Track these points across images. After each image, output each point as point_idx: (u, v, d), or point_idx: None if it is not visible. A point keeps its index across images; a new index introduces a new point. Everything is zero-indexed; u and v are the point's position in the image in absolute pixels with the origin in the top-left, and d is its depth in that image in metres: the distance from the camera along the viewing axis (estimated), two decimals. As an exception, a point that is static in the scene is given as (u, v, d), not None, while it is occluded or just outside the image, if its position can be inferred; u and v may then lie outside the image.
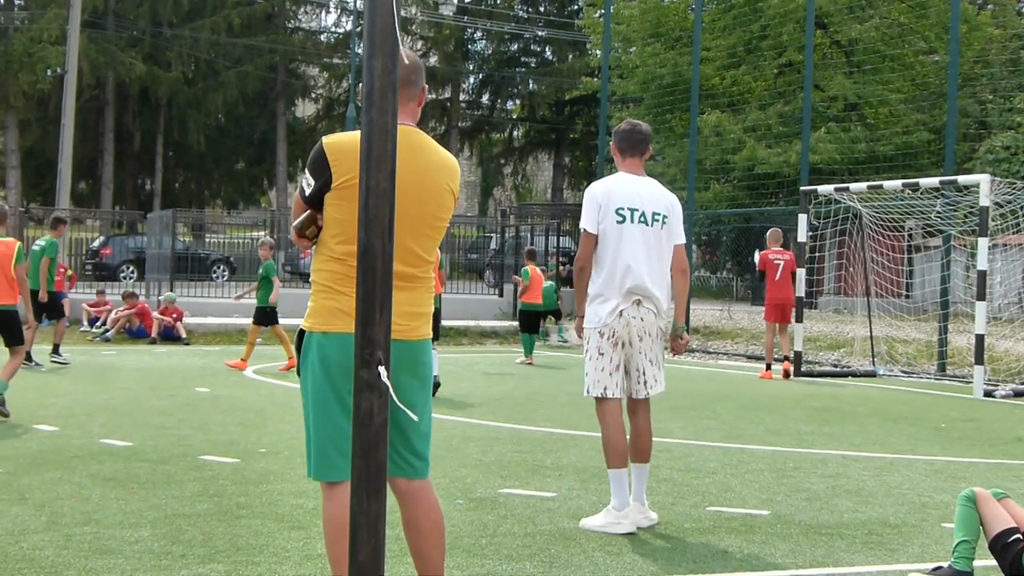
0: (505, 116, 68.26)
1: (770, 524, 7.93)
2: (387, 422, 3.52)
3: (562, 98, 61.80)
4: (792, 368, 20.74)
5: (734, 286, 45.27)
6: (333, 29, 64.51)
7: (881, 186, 21.31)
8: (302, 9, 63.12)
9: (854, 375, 21.63)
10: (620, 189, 7.89)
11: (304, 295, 6.48)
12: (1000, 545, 6.20)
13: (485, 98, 66.75)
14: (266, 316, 19.81)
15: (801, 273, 21.12)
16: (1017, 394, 18.34)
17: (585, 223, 7.87)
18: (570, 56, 61.18)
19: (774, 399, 16.88)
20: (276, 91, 58.17)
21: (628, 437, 7.92)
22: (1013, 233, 21.44)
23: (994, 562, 6.32)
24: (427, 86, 5.16)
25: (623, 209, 7.79)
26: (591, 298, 7.91)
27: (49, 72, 50.54)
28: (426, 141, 5.05)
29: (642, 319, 7.83)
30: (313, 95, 61.84)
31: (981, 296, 18.40)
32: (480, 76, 64.88)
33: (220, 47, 55.24)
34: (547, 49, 64.39)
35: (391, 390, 3.54)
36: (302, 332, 5.04)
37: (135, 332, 26.25)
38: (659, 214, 7.87)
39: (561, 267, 34.75)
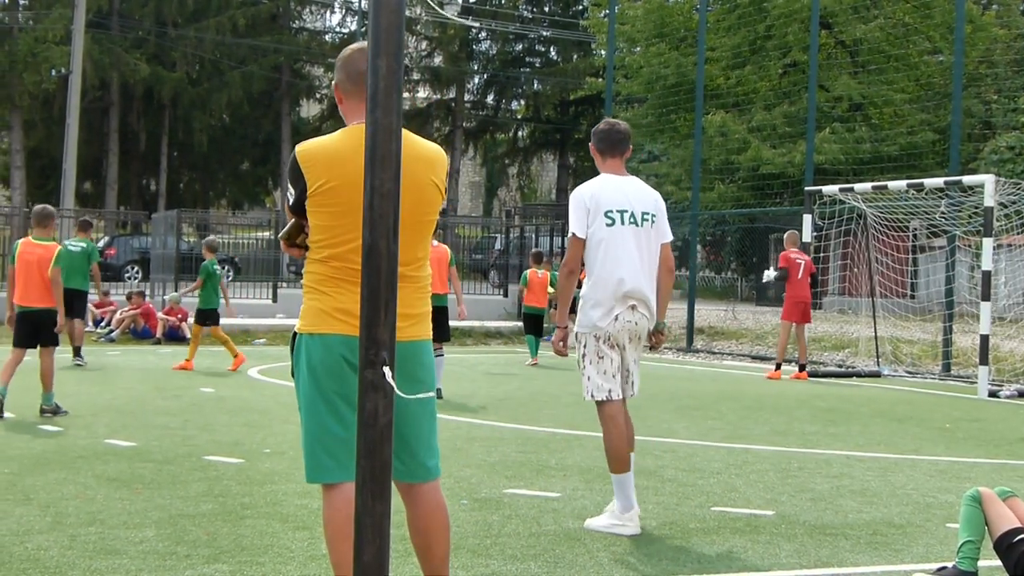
0: (510, 116, 68.28)
1: (775, 524, 7.92)
2: (392, 422, 3.52)
3: (567, 98, 61.83)
4: (807, 376, 20.63)
5: (739, 286, 45.32)
6: (338, 29, 64.55)
7: (886, 186, 21.31)
8: (307, 9, 63.17)
9: (859, 375, 21.62)
10: (607, 191, 7.80)
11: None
12: (1005, 545, 6.18)
13: (490, 98, 66.77)
14: (204, 316, 19.77)
15: (805, 273, 21.11)
16: (1022, 394, 18.33)
17: (574, 227, 7.75)
18: (575, 56, 61.18)
19: (779, 399, 16.88)
20: (281, 91, 58.21)
21: None
22: (1018, 233, 21.42)
23: (999, 562, 6.31)
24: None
25: (612, 212, 7.70)
26: (583, 302, 7.81)
27: (54, 72, 50.61)
28: (404, 135, 5.03)
29: (636, 323, 7.79)
30: (318, 95, 61.85)
31: (986, 296, 18.38)
32: (485, 76, 64.89)
33: (225, 47, 55.27)
34: (552, 49, 64.41)
35: (396, 391, 3.54)
36: (295, 335, 5.05)
37: (140, 333, 26.28)
38: (648, 213, 7.83)
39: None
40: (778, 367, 20.77)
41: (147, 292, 30.08)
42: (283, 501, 8.28)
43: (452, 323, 18.31)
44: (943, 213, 21.80)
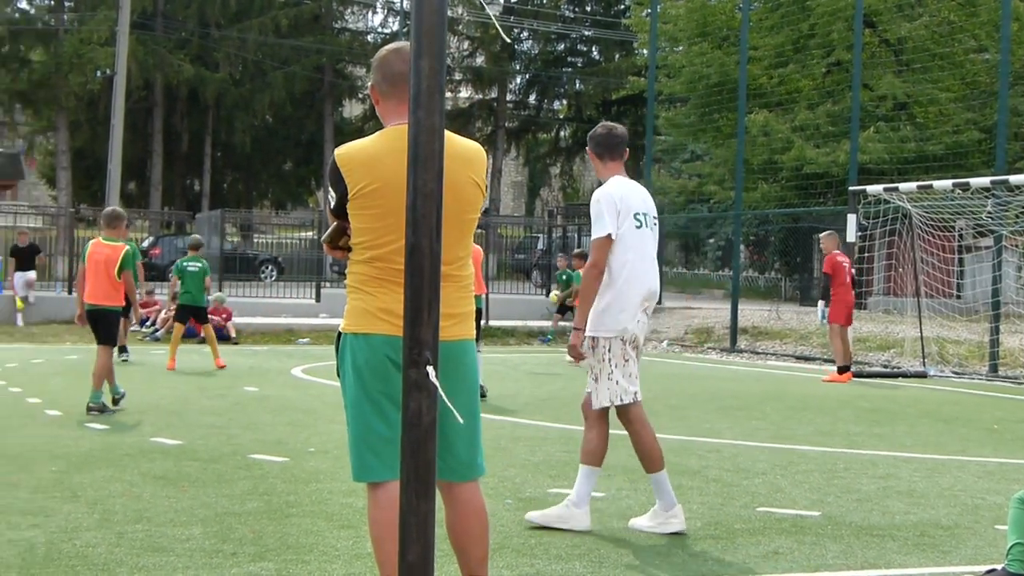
0: (552, 116, 68.20)
1: (821, 525, 7.89)
2: (435, 422, 3.52)
3: (609, 98, 61.70)
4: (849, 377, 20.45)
5: (782, 286, 45.17)
6: (380, 29, 64.56)
7: (931, 186, 21.19)
8: (349, 10, 63.24)
9: (904, 376, 21.51)
10: (631, 194, 7.71)
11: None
12: (1054, 547, 6.12)
13: (532, 98, 66.68)
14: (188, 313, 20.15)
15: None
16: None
17: (608, 228, 7.53)
18: (617, 56, 61.05)
19: (823, 400, 16.81)
20: (323, 92, 58.30)
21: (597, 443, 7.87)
22: (1065, 232, 21.28)
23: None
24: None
25: (639, 214, 7.65)
26: (607, 305, 7.61)
27: (98, 73, 50.88)
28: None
29: (647, 324, 7.80)
30: (360, 95, 61.87)
31: (1033, 296, 18.26)
32: (527, 76, 64.83)
33: (267, 48, 55.39)
34: (594, 49, 64.30)
35: (440, 390, 3.54)
36: (339, 335, 5.06)
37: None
38: (655, 217, 7.82)
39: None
40: (846, 369, 20.46)
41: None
42: (328, 500, 8.30)
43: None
44: (989, 213, 21.66)
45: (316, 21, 58.56)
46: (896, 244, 25.20)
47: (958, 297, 27.84)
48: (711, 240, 49.34)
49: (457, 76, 61.38)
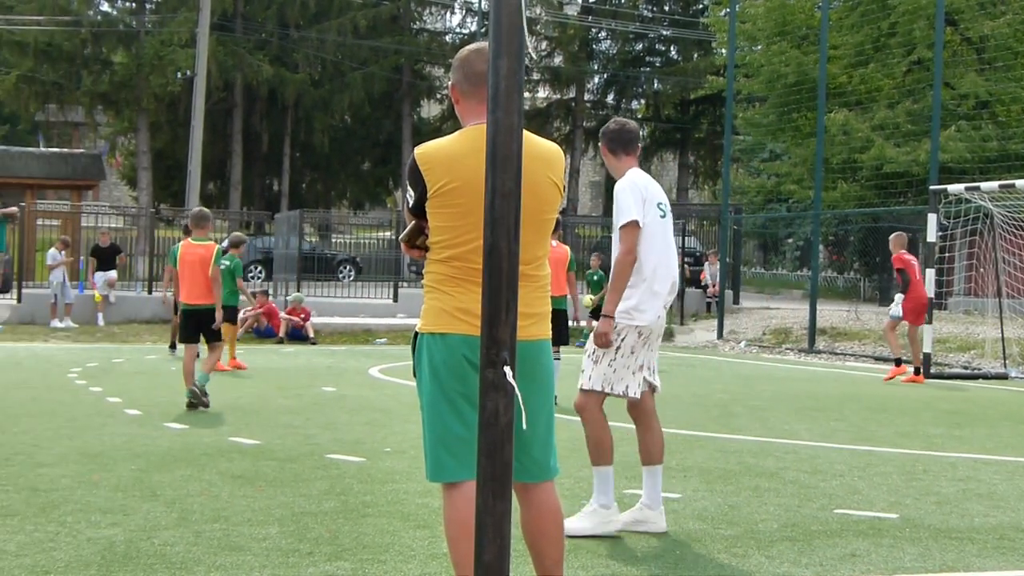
0: (630, 116, 67.99)
1: (899, 527, 7.81)
2: (512, 422, 3.53)
3: (687, 97, 61.48)
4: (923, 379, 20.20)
5: (861, 287, 44.74)
6: (458, 30, 64.72)
7: (1013, 185, 20.93)
8: (427, 10, 63.42)
9: (985, 377, 21.28)
10: (651, 184, 7.65)
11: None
12: None
13: (610, 98, 66.50)
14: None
15: (930, 274, 20.80)
16: None
17: (635, 213, 7.41)
18: (695, 55, 60.79)
19: (903, 401, 16.66)
20: (402, 92, 58.50)
21: (590, 439, 7.79)
22: None
23: None
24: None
25: (661, 204, 7.59)
26: (630, 295, 7.49)
27: (179, 75, 51.36)
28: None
29: (664, 319, 7.73)
30: (438, 95, 62.04)
31: (1118, 297, 18.03)
32: (605, 76, 64.71)
33: (346, 49, 55.66)
34: (672, 48, 64.08)
35: (517, 391, 3.54)
36: (416, 335, 5.07)
37: (263, 332, 26.59)
38: (671, 209, 7.76)
39: (687, 267, 34.62)
40: (918, 371, 20.20)
41: (270, 291, 30.42)
42: (404, 500, 8.32)
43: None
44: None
45: (394, 22, 58.78)
46: (977, 244, 24.94)
47: (1041, 298, 27.51)
48: (789, 240, 48.95)
49: (535, 76, 61.39)
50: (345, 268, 43.14)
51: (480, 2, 57.95)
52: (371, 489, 8.70)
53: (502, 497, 3.48)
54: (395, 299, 32.41)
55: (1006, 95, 34.54)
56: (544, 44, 61.63)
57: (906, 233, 21.00)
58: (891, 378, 20.07)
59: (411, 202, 5.00)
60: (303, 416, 13.19)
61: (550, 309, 5.16)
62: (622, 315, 7.51)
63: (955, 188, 21.85)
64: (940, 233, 22.15)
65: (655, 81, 63.35)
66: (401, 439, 11.34)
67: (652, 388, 7.88)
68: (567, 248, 16.08)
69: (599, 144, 8.02)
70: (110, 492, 8.43)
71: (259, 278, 39.35)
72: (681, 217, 40.01)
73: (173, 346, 20.72)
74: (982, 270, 27.54)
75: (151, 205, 48.15)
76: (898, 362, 20.33)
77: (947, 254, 24.38)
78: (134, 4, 53.90)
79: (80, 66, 50.59)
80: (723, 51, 41.79)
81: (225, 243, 20.18)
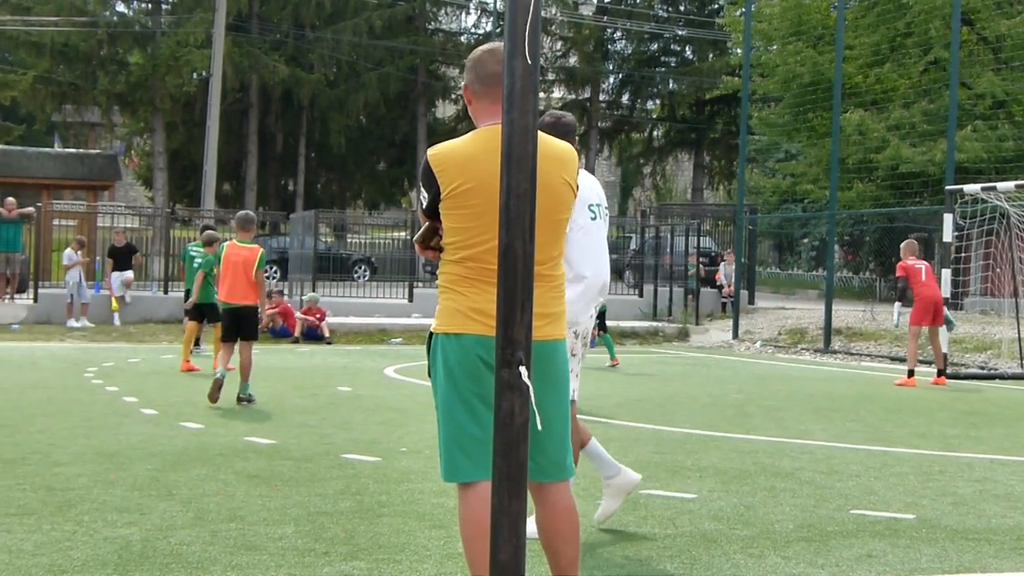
0: (645, 116, 67.99)
1: (915, 528, 7.80)
2: (528, 422, 3.53)
3: (702, 97, 61.44)
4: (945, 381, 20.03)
5: (877, 287, 44.64)
6: (473, 30, 64.74)
7: (1029, 185, 20.90)
8: (442, 11, 63.45)
9: (1002, 377, 21.23)
10: (583, 184, 6.92)
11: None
12: None
13: (625, 98, 66.50)
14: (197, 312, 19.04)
15: (946, 274, 20.74)
16: None
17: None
18: (710, 55, 60.75)
19: (919, 401, 16.63)
20: (417, 92, 58.53)
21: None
22: None
23: None
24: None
25: (593, 206, 7.24)
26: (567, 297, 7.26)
27: (194, 75, 51.48)
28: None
29: (594, 319, 7.43)
30: (453, 96, 62.03)
31: None
32: (620, 76, 64.70)
33: (361, 49, 55.72)
34: (687, 48, 64.04)
35: (531, 391, 3.54)
36: (431, 335, 5.08)
37: (278, 332, 26.61)
38: (606, 208, 7.46)
39: (702, 267, 34.59)
40: (940, 373, 20.13)
41: (285, 291, 30.45)
42: (420, 499, 8.33)
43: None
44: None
45: (409, 22, 58.83)
46: (993, 244, 24.88)
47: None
48: (805, 240, 48.89)
49: (550, 76, 61.39)
50: (360, 268, 43.16)
51: (495, 2, 57.96)
52: (387, 489, 8.71)
53: (518, 497, 3.48)
54: (410, 299, 32.41)
55: (1023, 95, 34.44)
56: (559, 44, 61.66)
57: (917, 241, 20.90)
58: (901, 385, 19.86)
59: (425, 203, 5.01)
60: (319, 416, 13.21)
61: (565, 309, 5.16)
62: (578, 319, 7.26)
63: (971, 188, 21.80)
64: (956, 233, 22.09)
65: (670, 81, 63.33)
66: (417, 439, 11.35)
67: None
68: None
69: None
70: (126, 491, 8.45)
71: (274, 278, 39.42)
72: (696, 217, 39.96)
73: (197, 343, 20.78)
74: (998, 270, 27.49)
75: (167, 205, 48.25)
76: (910, 373, 20.03)
77: (963, 254, 24.33)
78: (150, 5, 54.04)
79: (96, 67, 50.78)
80: (738, 51, 41.83)
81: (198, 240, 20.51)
